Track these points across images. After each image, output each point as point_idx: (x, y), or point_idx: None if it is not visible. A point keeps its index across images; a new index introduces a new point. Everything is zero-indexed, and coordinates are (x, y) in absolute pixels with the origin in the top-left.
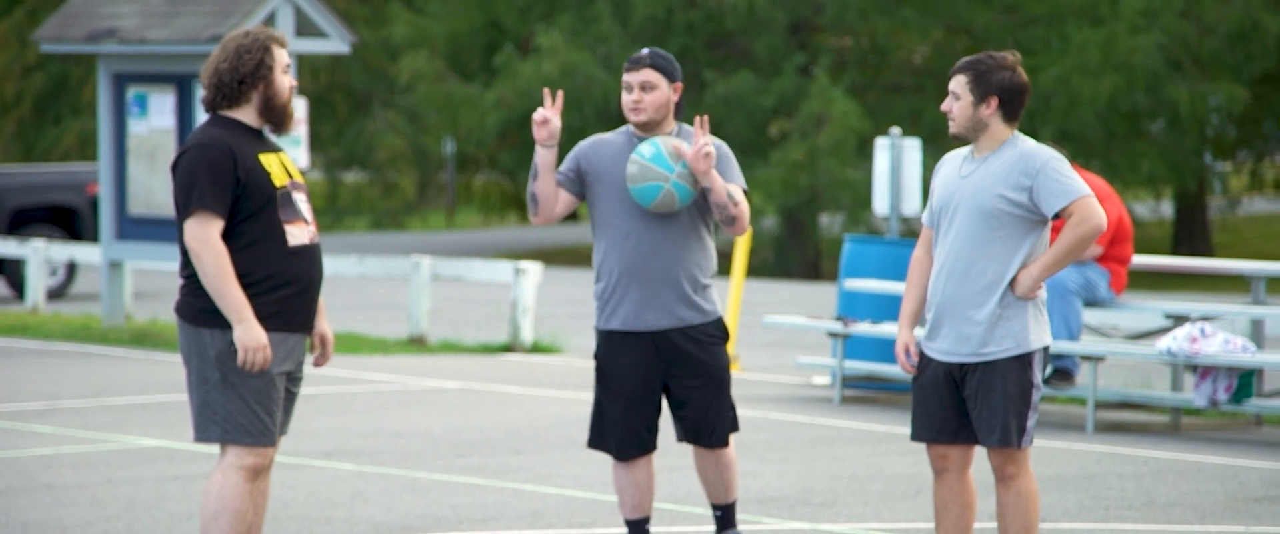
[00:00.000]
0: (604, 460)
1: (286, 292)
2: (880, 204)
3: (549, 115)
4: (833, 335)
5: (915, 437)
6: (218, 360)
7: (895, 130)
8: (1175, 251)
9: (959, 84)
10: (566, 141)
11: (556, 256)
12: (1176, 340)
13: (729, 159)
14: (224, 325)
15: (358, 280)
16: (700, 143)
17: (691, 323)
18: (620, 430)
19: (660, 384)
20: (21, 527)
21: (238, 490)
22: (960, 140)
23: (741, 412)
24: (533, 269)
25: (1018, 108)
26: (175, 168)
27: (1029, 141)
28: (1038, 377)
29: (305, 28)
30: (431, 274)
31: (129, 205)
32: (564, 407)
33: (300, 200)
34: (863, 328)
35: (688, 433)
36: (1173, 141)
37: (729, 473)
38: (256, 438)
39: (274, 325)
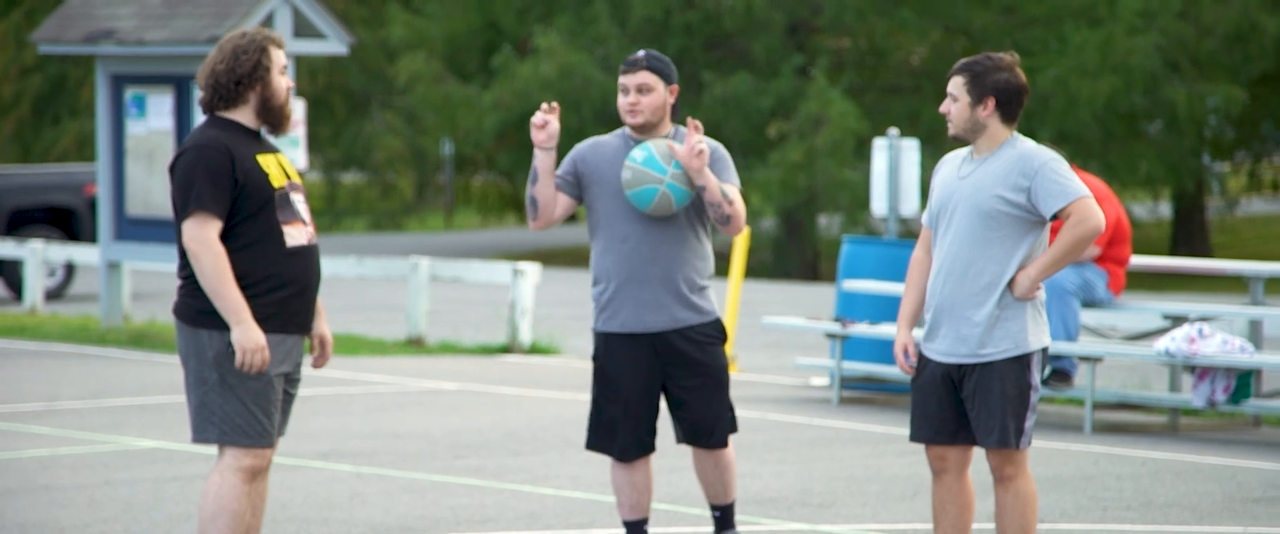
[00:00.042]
0: (602, 461)
1: (284, 293)
2: (878, 205)
3: (548, 118)
4: (831, 336)
5: (914, 437)
6: (216, 361)
7: (893, 131)
8: (1173, 252)
9: (957, 85)
10: (565, 143)
11: (555, 258)
12: (1175, 341)
13: (724, 159)
14: (222, 326)
15: (356, 281)
16: (692, 141)
17: (690, 324)
18: (621, 432)
19: (659, 386)
20: (19, 528)
21: (236, 492)
22: (959, 141)
23: (740, 413)
24: (531, 270)
25: (1016, 109)
26: (173, 169)
27: (1028, 142)
28: (1036, 378)
29: (303, 29)
30: (430, 275)
31: (127, 206)
32: (562, 408)
33: (298, 201)
34: (861, 329)
35: (687, 434)
36: (1171, 142)
37: (728, 474)
38: (254, 439)
39: (272, 326)
